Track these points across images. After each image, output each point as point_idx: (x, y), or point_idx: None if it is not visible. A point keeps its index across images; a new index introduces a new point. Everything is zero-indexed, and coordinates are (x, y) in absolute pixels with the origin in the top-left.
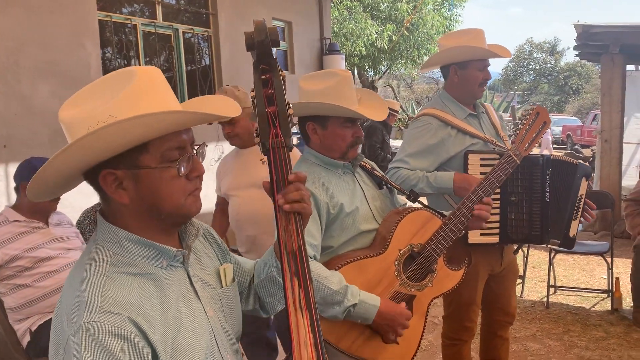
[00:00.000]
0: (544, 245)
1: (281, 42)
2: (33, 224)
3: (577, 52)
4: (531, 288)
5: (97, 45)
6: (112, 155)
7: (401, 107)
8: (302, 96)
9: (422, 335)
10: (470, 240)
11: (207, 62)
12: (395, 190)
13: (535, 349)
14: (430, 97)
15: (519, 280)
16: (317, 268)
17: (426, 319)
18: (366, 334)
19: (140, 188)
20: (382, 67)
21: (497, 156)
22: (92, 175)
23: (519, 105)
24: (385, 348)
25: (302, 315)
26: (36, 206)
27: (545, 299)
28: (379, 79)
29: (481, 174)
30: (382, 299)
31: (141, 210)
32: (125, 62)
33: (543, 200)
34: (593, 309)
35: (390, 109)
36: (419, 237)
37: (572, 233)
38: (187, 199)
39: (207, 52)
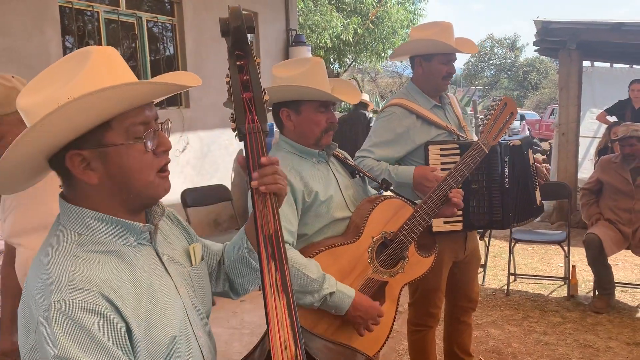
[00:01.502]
0: (505, 235)
1: None
2: None
3: (536, 48)
4: (492, 276)
5: (57, 32)
6: (76, 136)
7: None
8: (275, 83)
9: (394, 321)
10: (434, 229)
11: (172, 52)
12: (367, 179)
13: (496, 335)
14: (394, 91)
15: (481, 269)
16: (295, 256)
17: (397, 305)
18: (337, 324)
19: (109, 166)
20: (347, 60)
21: (457, 146)
22: (57, 159)
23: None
24: (357, 335)
25: (279, 298)
26: None
27: (505, 287)
28: (344, 71)
29: (442, 164)
30: (357, 292)
31: (111, 190)
32: None
33: (502, 187)
34: (551, 295)
35: (362, 100)
36: (392, 225)
37: (538, 201)
38: (156, 177)
39: (171, 41)
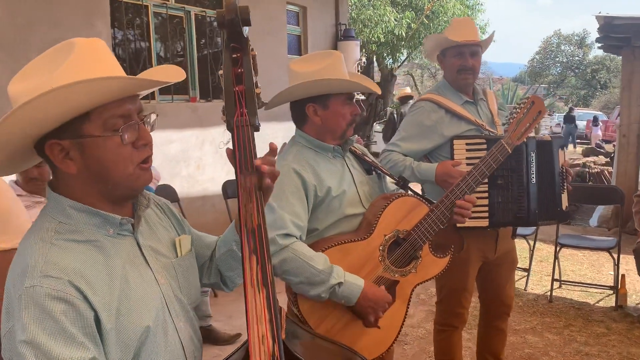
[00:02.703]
0: (553, 239)
1: (295, 27)
2: (35, 199)
3: (599, 45)
4: (536, 281)
5: (107, 25)
6: (55, 126)
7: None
8: (295, 79)
9: (404, 322)
10: (458, 224)
11: (219, 46)
12: (386, 176)
13: (533, 342)
14: None
15: (524, 274)
16: (302, 248)
17: (408, 305)
18: (346, 318)
19: (87, 157)
20: (401, 55)
21: (484, 141)
22: (41, 146)
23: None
24: (365, 333)
25: (259, 292)
26: (28, 182)
27: (548, 293)
28: (398, 67)
29: (467, 158)
30: (366, 281)
31: (89, 180)
32: (135, 43)
33: (529, 183)
34: (597, 304)
35: (407, 94)
36: (405, 224)
37: (564, 206)
38: (135, 169)
39: (219, 36)
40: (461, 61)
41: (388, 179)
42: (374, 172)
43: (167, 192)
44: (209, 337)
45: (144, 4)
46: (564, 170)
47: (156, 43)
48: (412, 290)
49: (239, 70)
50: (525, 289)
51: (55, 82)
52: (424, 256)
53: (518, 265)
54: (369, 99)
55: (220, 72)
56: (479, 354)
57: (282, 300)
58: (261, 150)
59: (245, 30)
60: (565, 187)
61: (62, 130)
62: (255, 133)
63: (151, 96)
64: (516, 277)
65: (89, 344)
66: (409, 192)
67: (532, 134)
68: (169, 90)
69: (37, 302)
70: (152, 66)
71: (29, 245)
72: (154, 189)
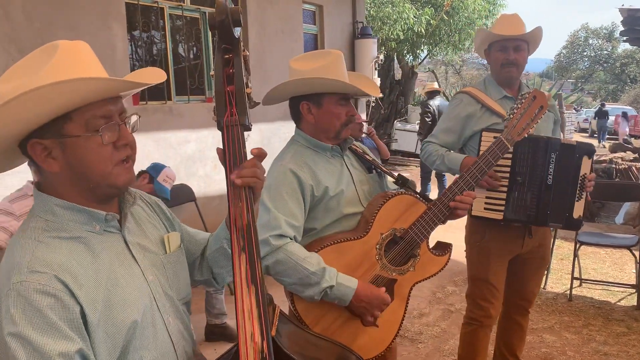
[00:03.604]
0: (572, 236)
1: (311, 26)
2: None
3: (624, 38)
4: (556, 280)
5: (123, 27)
6: (37, 126)
7: (443, 93)
8: (292, 76)
9: (403, 320)
10: (473, 212)
11: None
12: (386, 175)
13: (551, 341)
14: None
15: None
16: (296, 249)
17: (407, 303)
18: (344, 317)
19: (68, 156)
20: (422, 52)
21: None
22: (24, 146)
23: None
24: (363, 331)
25: (248, 289)
26: None
27: (568, 291)
28: (419, 64)
29: None
30: (360, 282)
31: (72, 179)
32: (152, 45)
33: (544, 183)
34: (618, 303)
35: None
36: (402, 222)
37: (576, 215)
38: (115, 168)
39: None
40: (504, 55)
41: (389, 177)
42: (374, 171)
43: (184, 191)
44: (224, 334)
45: (160, 6)
46: (585, 179)
47: (172, 45)
48: (411, 288)
49: (231, 70)
50: (544, 288)
51: (37, 83)
52: (422, 254)
53: None
54: (390, 97)
55: (212, 72)
56: (496, 348)
57: (284, 297)
58: (278, 149)
59: (237, 31)
60: (583, 197)
61: (44, 130)
62: (272, 131)
63: (168, 97)
64: None
65: (75, 337)
66: (408, 190)
67: (563, 135)
68: (185, 91)
69: (25, 297)
70: (168, 68)
71: (17, 243)
72: (169, 188)
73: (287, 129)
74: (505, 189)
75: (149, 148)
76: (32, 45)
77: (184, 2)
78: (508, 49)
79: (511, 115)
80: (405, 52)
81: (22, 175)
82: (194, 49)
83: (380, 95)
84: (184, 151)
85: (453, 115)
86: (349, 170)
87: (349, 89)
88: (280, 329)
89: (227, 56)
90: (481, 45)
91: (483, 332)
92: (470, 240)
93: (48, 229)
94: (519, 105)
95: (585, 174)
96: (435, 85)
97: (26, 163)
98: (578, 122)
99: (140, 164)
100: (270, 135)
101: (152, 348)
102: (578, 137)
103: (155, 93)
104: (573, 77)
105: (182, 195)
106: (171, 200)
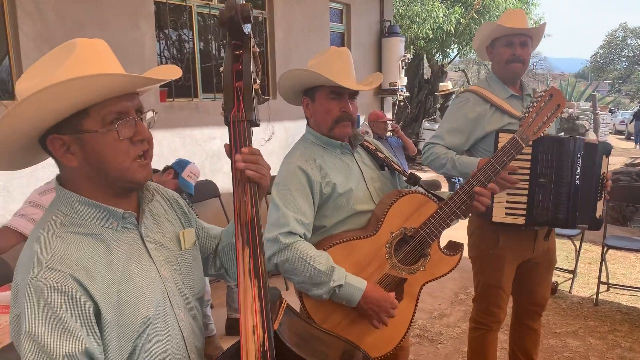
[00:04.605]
0: (601, 240)
1: (338, 25)
2: None
3: None
4: (582, 284)
5: (152, 26)
6: (56, 121)
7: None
8: None
9: (412, 319)
10: (494, 219)
11: (262, 45)
12: (398, 172)
13: (574, 346)
14: None
15: (570, 276)
16: (305, 248)
17: (417, 303)
18: (353, 315)
19: (86, 151)
20: (451, 51)
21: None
22: (44, 141)
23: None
24: (372, 330)
25: (251, 283)
26: None
27: (594, 296)
28: (449, 63)
29: None
30: (369, 284)
31: (90, 174)
32: (180, 43)
33: (572, 184)
34: None
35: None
36: (413, 221)
37: (598, 214)
38: (132, 163)
39: (261, 35)
40: (511, 50)
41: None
42: (386, 168)
43: (209, 187)
44: None
45: (187, 4)
46: (604, 179)
47: (202, 43)
48: (421, 288)
49: (240, 66)
50: (570, 292)
51: (54, 80)
52: (432, 254)
53: (564, 267)
54: (418, 96)
55: (221, 68)
56: (511, 352)
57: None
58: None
59: (247, 27)
60: (603, 196)
61: (63, 126)
62: (297, 129)
63: (194, 94)
64: (561, 280)
65: (84, 335)
66: (420, 189)
67: (587, 135)
68: (211, 88)
69: (39, 292)
70: (195, 66)
71: (37, 236)
72: (194, 184)
73: None
74: (525, 191)
75: (175, 144)
76: (63, 42)
77: (211, 1)
78: (514, 45)
79: (526, 114)
80: (435, 51)
81: (52, 168)
82: (223, 48)
83: (371, 87)
84: (210, 148)
85: (459, 115)
86: (360, 167)
87: (322, 81)
88: (286, 323)
89: (236, 52)
90: (484, 42)
91: (492, 336)
92: (481, 246)
93: (67, 223)
94: (535, 104)
95: (604, 172)
96: (450, 86)
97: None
98: (614, 124)
99: (166, 160)
100: (295, 133)
101: (163, 342)
102: (614, 140)
103: (182, 91)
104: (610, 78)
105: (206, 191)
106: (196, 195)
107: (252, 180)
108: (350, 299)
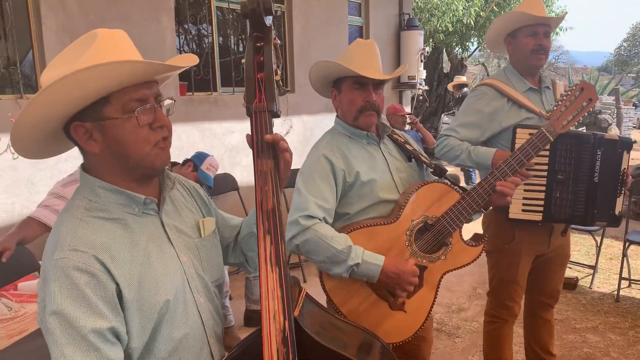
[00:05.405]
0: (622, 235)
1: (356, 18)
2: None
3: None
4: (604, 280)
5: (172, 20)
6: (79, 109)
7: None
8: None
9: (432, 308)
10: (510, 215)
11: (280, 39)
12: (425, 165)
13: (594, 342)
14: None
15: (590, 271)
16: (324, 229)
17: (437, 291)
18: (372, 299)
19: (107, 138)
20: (471, 44)
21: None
22: (68, 129)
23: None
24: (391, 315)
25: (272, 270)
26: None
27: (615, 292)
28: (469, 56)
29: None
30: (387, 258)
31: (111, 160)
32: (199, 38)
33: (591, 181)
34: None
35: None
36: (435, 210)
37: (617, 211)
38: (153, 149)
39: (279, 29)
40: (536, 40)
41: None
42: (413, 160)
43: (227, 180)
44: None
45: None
46: (624, 174)
47: (221, 38)
48: (441, 277)
49: (262, 58)
50: (590, 287)
51: (77, 68)
52: (454, 243)
53: (584, 263)
54: (437, 90)
55: (243, 60)
56: (527, 345)
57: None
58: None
59: (268, 19)
60: (622, 192)
61: (85, 113)
62: (315, 122)
63: (213, 88)
64: (582, 275)
65: (109, 314)
66: (445, 180)
67: (609, 131)
68: (230, 82)
69: (65, 272)
70: (214, 60)
71: (62, 221)
72: (212, 177)
73: (329, 120)
74: (543, 188)
75: (195, 138)
76: None
77: None
78: (539, 34)
79: (555, 107)
80: (454, 44)
81: (75, 161)
82: (242, 42)
83: (384, 77)
84: (228, 141)
85: (476, 108)
86: (385, 158)
87: (344, 71)
88: (305, 310)
89: (258, 44)
90: (506, 30)
91: (508, 329)
92: (496, 241)
93: (90, 208)
94: (565, 97)
95: (625, 168)
96: (463, 79)
97: (77, 149)
98: (638, 118)
99: (186, 153)
100: (314, 126)
101: (182, 326)
102: (637, 134)
103: (202, 84)
104: (634, 72)
105: (225, 184)
106: (215, 188)
107: (281, 149)
108: (370, 274)
